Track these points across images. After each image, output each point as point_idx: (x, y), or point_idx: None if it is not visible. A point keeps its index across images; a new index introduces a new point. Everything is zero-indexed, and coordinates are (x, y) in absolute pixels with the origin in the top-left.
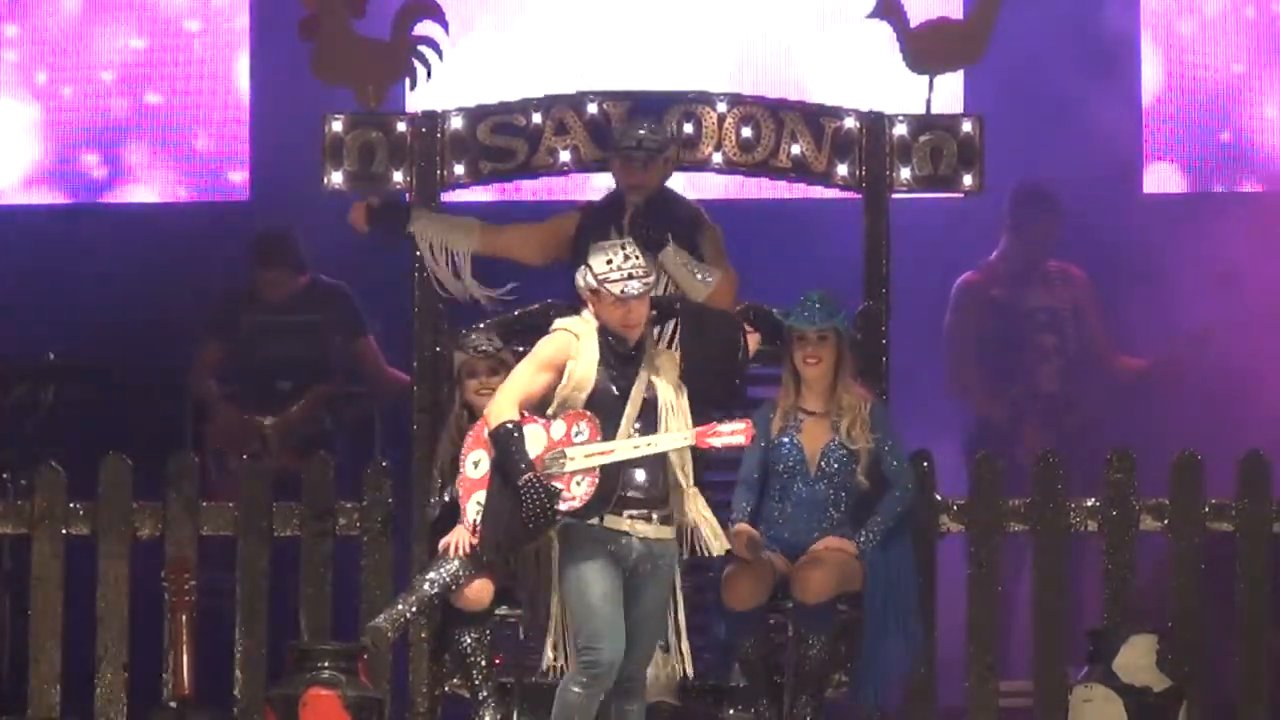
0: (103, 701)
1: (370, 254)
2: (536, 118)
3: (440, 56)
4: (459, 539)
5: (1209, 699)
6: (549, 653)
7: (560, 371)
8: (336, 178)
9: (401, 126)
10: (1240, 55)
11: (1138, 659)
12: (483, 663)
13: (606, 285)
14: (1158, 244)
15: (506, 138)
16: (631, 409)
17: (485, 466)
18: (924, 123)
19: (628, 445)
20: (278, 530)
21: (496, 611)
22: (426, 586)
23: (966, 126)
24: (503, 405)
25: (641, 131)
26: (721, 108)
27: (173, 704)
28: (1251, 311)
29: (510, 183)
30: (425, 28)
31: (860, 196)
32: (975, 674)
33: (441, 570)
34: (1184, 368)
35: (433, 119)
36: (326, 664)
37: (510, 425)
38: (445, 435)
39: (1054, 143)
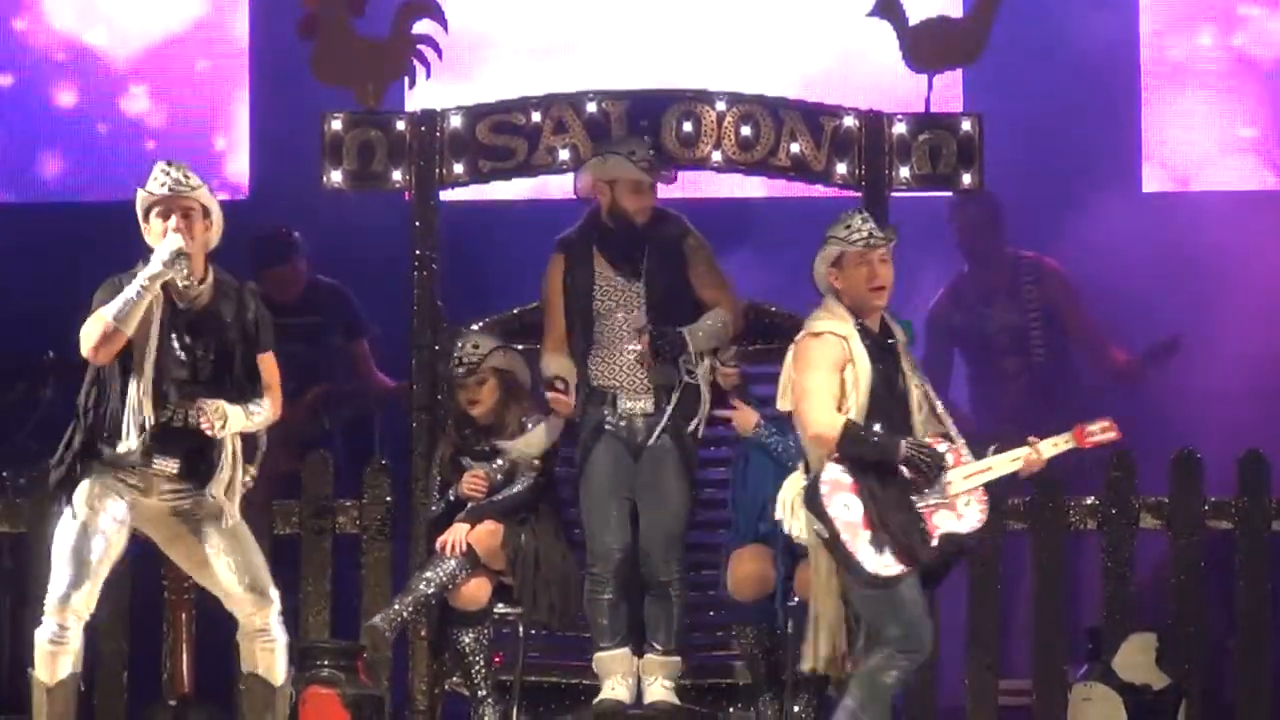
0: (103, 701)
1: (370, 254)
2: (536, 116)
3: (440, 56)
4: (455, 538)
5: (1209, 698)
6: (819, 653)
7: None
8: (336, 176)
9: (401, 125)
10: (1228, 68)
11: (1137, 657)
12: (482, 662)
13: (851, 244)
14: (1157, 243)
15: (506, 136)
16: (916, 408)
17: (857, 506)
18: (923, 121)
19: (1005, 460)
20: (278, 529)
21: (495, 610)
22: (423, 586)
23: (966, 125)
24: (827, 417)
25: (652, 153)
26: (721, 106)
27: (173, 703)
28: (1252, 310)
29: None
30: (425, 27)
31: (860, 195)
32: (975, 674)
33: (439, 570)
34: (1143, 375)
35: (432, 118)
36: (326, 662)
37: (848, 423)
38: (444, 437)
39: (1054, 143)
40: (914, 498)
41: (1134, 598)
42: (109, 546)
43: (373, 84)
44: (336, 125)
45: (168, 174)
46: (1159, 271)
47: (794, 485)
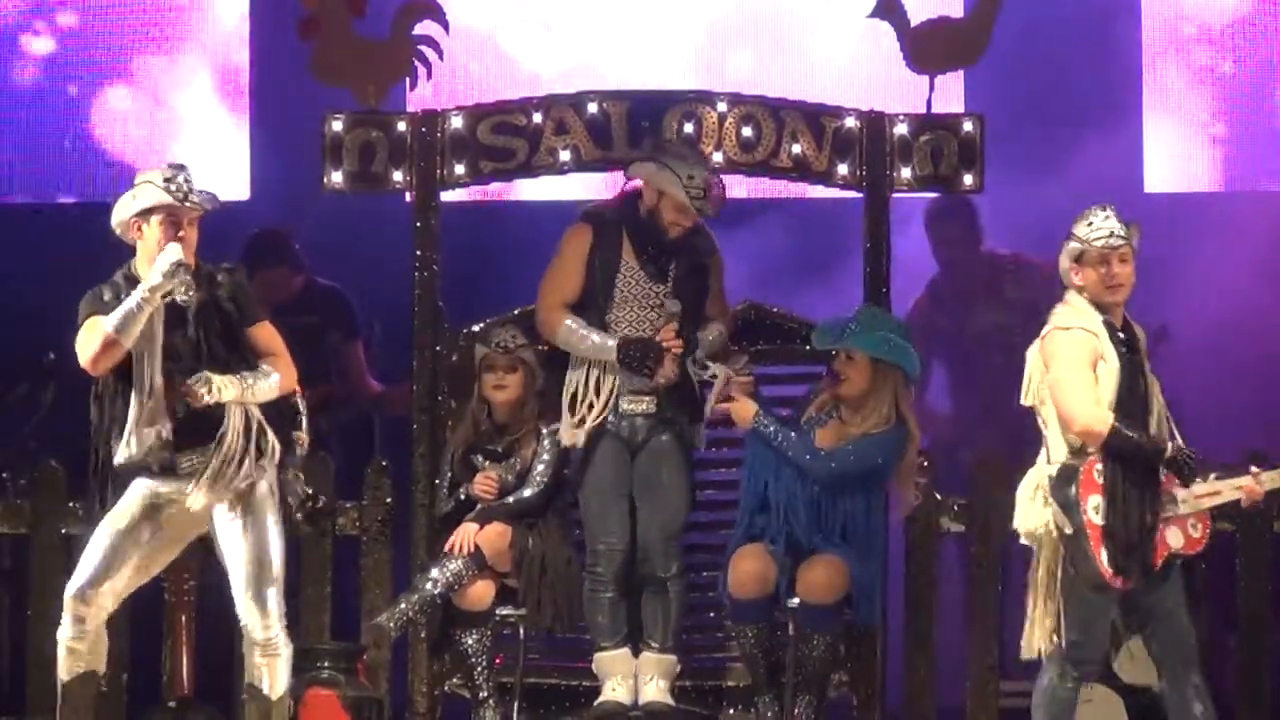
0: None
1: (370, 254)
2: (536, 117)
3: (440, 56)
4: (463, 538)
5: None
6: (1033, 643)
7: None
8: (336, 177)
9: (401, 126)
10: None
11: (1138, 659)
12: (484, 663)
13: (1091, 243)
14: (1160, 243)
15: (507, 137)
16: (1158, 409)
17: (1104, 511)
18: (924, 122)
19: (1230, 485)
20: None
21: (498, 612)
22: (429, 586)
23: (967, 126)
24: (1095, 410)
25: (707, 174)
26: (722, 107)
27: (172, 705)
28: (1254, 309)
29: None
30: (425, 27)
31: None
32: (975, 674)
33: (445, 570)
34: None
35: (433, 118)
36: (326, 664)
37: (1116, 424)
38: (460, 428)
39: (1055, 143)
40: (1153, 513)
41: None
42: (140, 551)
43: (373, 85)
44: (337, 126)
45: (188, 183)
46: (1161, 271)
47: (1032, 480)
